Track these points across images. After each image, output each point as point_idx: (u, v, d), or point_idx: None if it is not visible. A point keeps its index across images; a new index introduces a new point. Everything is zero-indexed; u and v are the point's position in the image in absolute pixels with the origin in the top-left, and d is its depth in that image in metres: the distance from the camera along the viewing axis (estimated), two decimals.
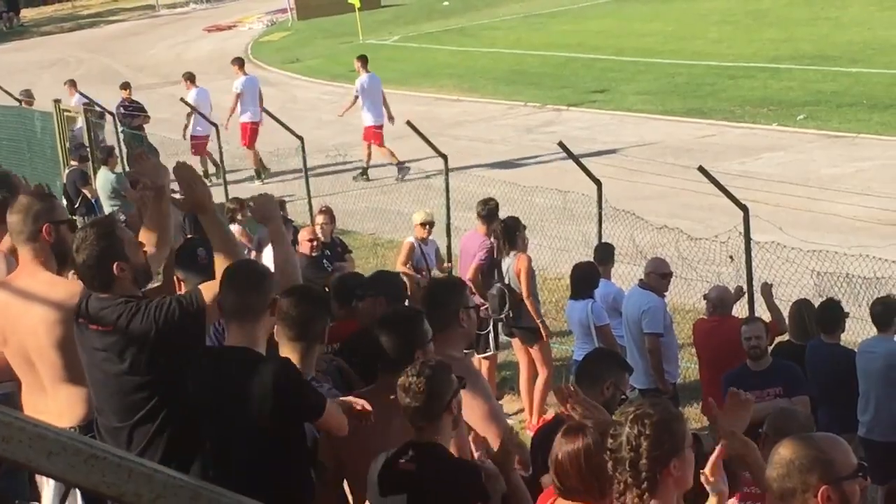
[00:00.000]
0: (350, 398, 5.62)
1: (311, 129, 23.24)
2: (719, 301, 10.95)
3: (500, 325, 12.58)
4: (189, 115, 23.45)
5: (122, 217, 15.40)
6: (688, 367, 12.44)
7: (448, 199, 15.86)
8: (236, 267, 5.48)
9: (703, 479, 4.33)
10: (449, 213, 15.75)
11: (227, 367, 5.32)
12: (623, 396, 6.29)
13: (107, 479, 2.27)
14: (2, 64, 40.93)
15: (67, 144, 20.81)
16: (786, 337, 10.84)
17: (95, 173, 19.01)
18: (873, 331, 10.19)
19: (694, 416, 11.29)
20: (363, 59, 23.51)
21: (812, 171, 19.45)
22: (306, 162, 19.11)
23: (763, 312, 11.34)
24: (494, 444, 5.60)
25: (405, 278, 10.50)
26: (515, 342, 12.59)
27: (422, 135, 15.94)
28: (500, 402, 10.08)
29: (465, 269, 12.71)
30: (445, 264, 14.11)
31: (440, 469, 5.10)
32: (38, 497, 6.12)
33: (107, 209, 17.67)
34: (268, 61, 39.56)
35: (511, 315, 12.23)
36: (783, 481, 3.93)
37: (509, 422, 7.22)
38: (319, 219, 13.68)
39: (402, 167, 21.79)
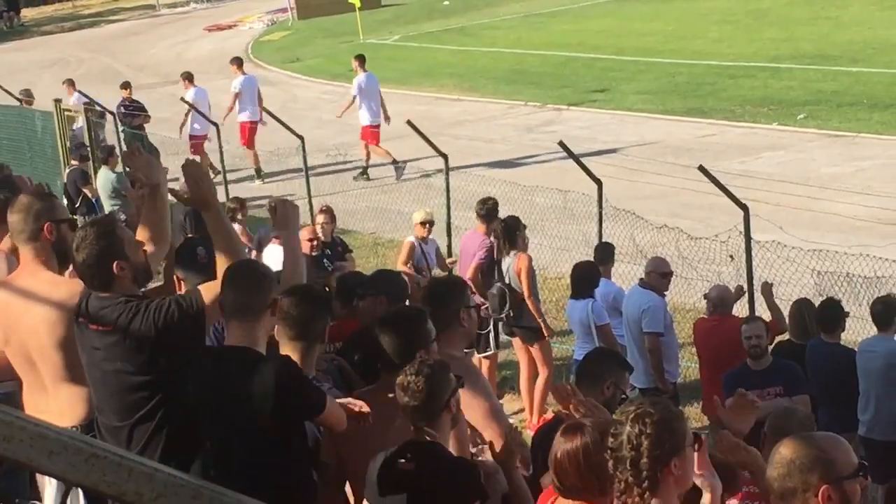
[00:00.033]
0: (349, 399, 5.62)
1: (312, 128, 23.25)
2: (719, 300, 10.95)
3: (500, 324, 12.58)
4: (187, 114, 23.48)
5: (123, 216, 15.44)
6: (688, 366, 12.44)
7: (448, 198, 15.87)
8: (237, 266, 5.48)
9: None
10: (449, 213, 15.75)
11: (228, 366, 5.32)
12: (623, 396, 6.29)
13: (107, 479, 2.27)
14: (2, 63, 40.94)
15: (68, 144, 20.81)
16: (786, 336, 10.84)
17: (96, 173, 19.02)
18: (873, 330, 10.19)
19: (694, 416, 11.29)
20: (361, 59, 23.52)
21: (812, 170, 19.45)
22: (307, 161, 19.11)
23: (763, 312, 11.34)
24: (496, 443, 5.60)
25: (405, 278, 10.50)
26: (516, 341, 12.60)
27: (422, 134, 15.94)
28: (500, 402, 10.07)
29: (465, 269, 12.71)
30: (449, 260, 14.09)
31: (438, 468, 5.10)
32: (38, 496, 6.13)
33: (107, 208, 17.67)
34: (268, 61, 39.58)
35: (511, 314, 12.23)
36: (784, 481, 3.93)
37: (510, 421, 7.21)
38: (320, 218, 13.67)
39: (398, 166, 21.82)
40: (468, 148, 22.71)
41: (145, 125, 23.94)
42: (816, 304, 10.61)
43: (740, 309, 11.65)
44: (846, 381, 9.89)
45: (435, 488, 5.07)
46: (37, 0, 61.19)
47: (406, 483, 5.11)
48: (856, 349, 10.19)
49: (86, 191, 18.52)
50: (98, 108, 22.21)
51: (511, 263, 12.21)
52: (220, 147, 20.97)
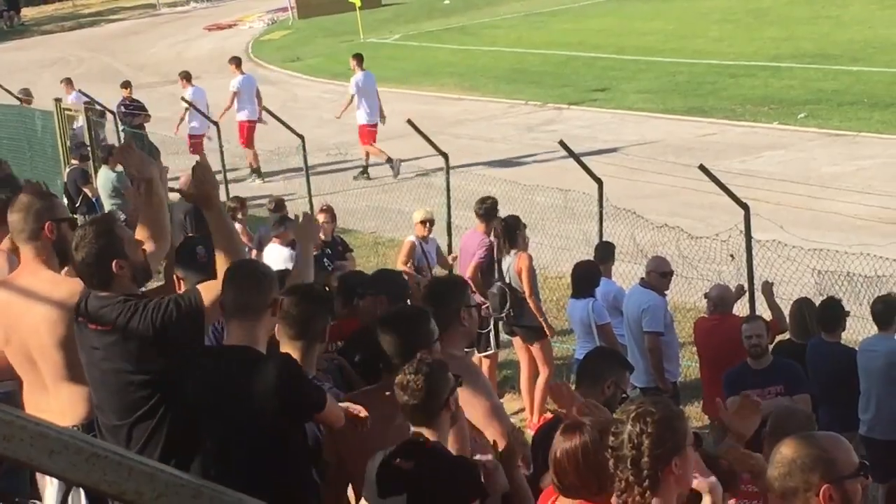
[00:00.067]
0: (348, 404, 5.62)
1: (312, 127, 23.25)
2: (720, 299, 10.95)
3: (500, 323, 12.58)
4: (185, 112, 23.50)
5: (122, 216, 15.43)
6: (689, 365, 12.43)
7: (449, 197, 15.86)
8: (237, 266, 5.49)
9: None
10: (450, 212, 15.75)
11: (228, 366, 5.32)
12: (624, 395, 6.29)
13: (108, 478, 2.27)
14: (2, 63, 40.94)
15: (68, 143, 20.81)
16: (786, 335, 10.84)
17: (96, 172, 19.01)
18: (874, 329, 10.19)
19: (695, 415, 11.29)
20: (358, 58, 23.58)
21: (813, 169, 19.45)
22: (307, 160, 19.11)
23: (764, 311, 11.34)
24: (498, 442, 5.60)
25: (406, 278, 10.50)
26: (516, 341, 12.59)
27: (423, 133, 15.94)
28: (500, 401, 10.06)
29: (465, 268, 12.71)
30: (451, 256, 14.07)
31: (438, 468, 5.10)
32: (38, 496, 6.12)
33: (107, 208, 17.65)
34: (268, 60, 39.58)
35: (512, 314, 12.23)
36: (785, 480, 3.93)
37: (511, 421, 7.20)
38: (320, 217, 13.66)
39: (393, 164, 21.87)
40: (469, 147, 22.71)
41: (145, 124, 23.95)
42: (817, 303, 10.61)
43: (741, 308, 11.64)
44: (847, 381, 9.89)
45: (434, 487, 5.06)
46: None
47: (405, 482, 5.10)
48: (856, 348, 10.19)
49: (86, 190, 18.52)
50: (98, 107, 22.21)
51: (511, 263, 12.21)
52: (221, 146, 20.96)
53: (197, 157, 22.99)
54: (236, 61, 24.88)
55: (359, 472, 5.45)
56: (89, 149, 20.14)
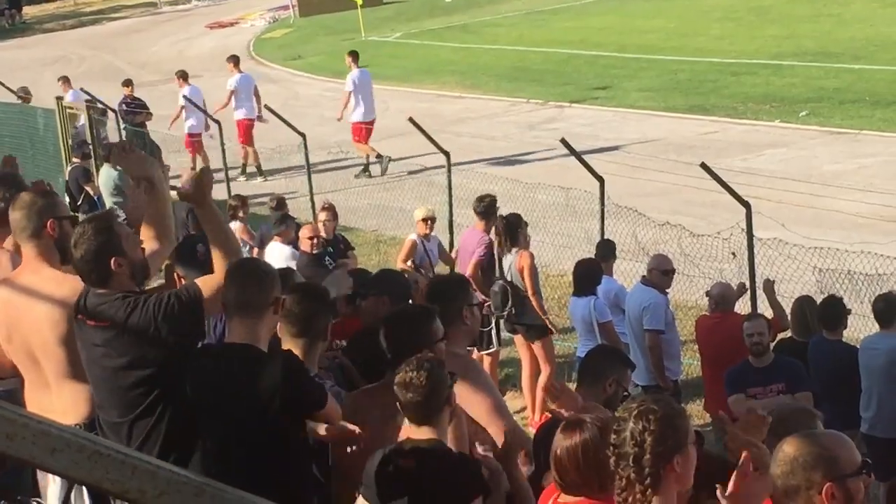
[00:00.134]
0: (344, 424, 5.61)
1: (313, 125, 23.26)
2: (721, 298, 10.95)
3: (502, 321, 12.57)
4: (181, 110, 23.50)
5: (122, 214, 15.42)
6: (690, 363, 12.43)
7: (450, 195, 15.87)
8: (238, 264, 5.50)
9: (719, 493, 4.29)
10: (451, 210, 15.75)
11: (229, 364, 5.33)
12: (625, 393, 6.29)
13: (110, 476, 2.27)
14: (4, 61, 40.95)
15: (70, 141, 20.80)
16: (788, 334, 10.84)
17: (98, 170, 19.02)
18: (875, 327, 10.19)
19: (696, 413, 11.29)
20: (354, 55, 23.65)
21: (814, 167, 19.44)
22: (308, 159, 19.11)
23: (765, 309, 11.34)
24: (499, 438, 5.60)
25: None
26: (518, 339, 12.59)
27: (424, 132, 15.94)
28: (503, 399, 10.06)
29: (465, 267, 12.71)
30: (453, 252, 14.05)
31: (439, 465, 5.10)
32: (39, 493, 6.12)
33: (109, 206, 17.65)
34: (270, 58, 39.58)
35: (514, 312, 12.23)
36: (787, 478, 3.93)
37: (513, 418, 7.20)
38: (322, 216, 13.68)
39: (382, 161, 21.93)
40: (470, 145, 22.70)
41: (147, 122, 23.94)
42: (818, 301, 10.60)
43: (742, 306, 11.64)
44: (848, 379, 9.89)
45: (435, 486, 5.06)
46: None
47: (405, 482, 5.09)
48: (858, 346, 10.19)
49: (88, 188, 18.52)
50: (100, 105, 22.21)
51: (513, 261, 12.20)
52: (223, 145, 20.96)
53: (196, 156, 23.07)
54: (234, 60, 24.89)
55: (358, 471, 5.45)
56: (91, 147, 20.13)
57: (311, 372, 5.61)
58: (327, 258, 12.76)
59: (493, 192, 13.77)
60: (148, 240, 5.82)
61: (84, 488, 5.45)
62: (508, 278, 12.25)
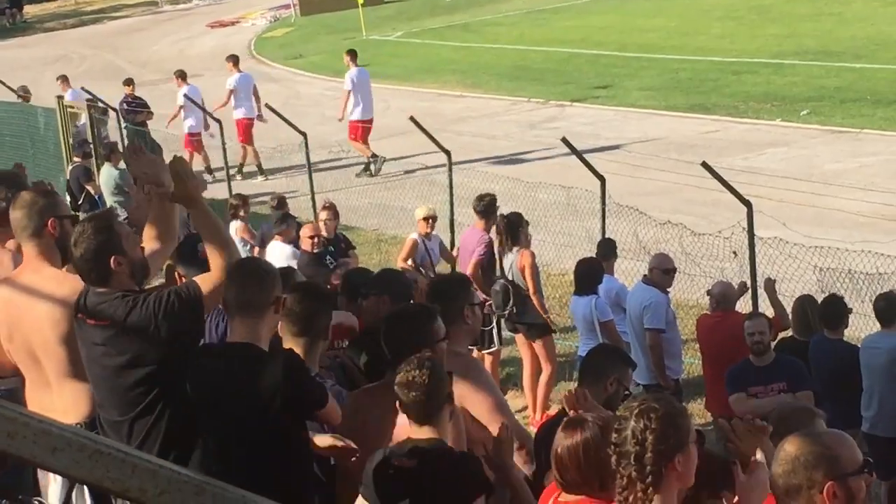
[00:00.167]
0: (339, 441, 5.61)
1: (314, 124, 23.26)
2: (722, 297, 10.95)
3: (503, 320, 12.57)
4: (179, 109, 23.51)
5: (124, 213, 15.43)
6: (691, 362, 12.43)
7: (451, 195, 15.86)
8: (239, 263, 5.50)
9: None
10: (452, 210, 15.75)
11: (230, 363, 5.33)
12: (626, 392, 6.29)
13: (111, 475, 2.27)
14: (5, 60, 40.94)
15: (71, 140, 20.81)
16: (789, 333, 10.84)
17: (99, 170, 19.02)
18: (876, 327, 10.19)
19: (698, 412, 11.29)
20: (352, 54, 23.67)
21: (815, 166, 19.43)
22: (309, 158, 19.10)
23: (766, 308, 11.33)
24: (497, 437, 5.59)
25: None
26: (519, 338, 12.59)
27: (425, 131, 15.94)
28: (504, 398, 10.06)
29: (465, 266, 12.71)
30: (454, 251, 14.05)
31: (441, 465, 5.09)
32: (40, 493, 6.12)
33: (110, 205, 17.66)
34: (271, 57, 39.57)
35: (515, 311, 12.23)
36: (789, 478, 3.92)
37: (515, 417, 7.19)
38: (323, 215, 13.68)
39: (376, 161, 21.94)
40: (471, 144, 22.69)
41: (148, 122, 23.95)
42: (819, 300, 10.60)
43: (743, 305, 11.64)
44: (849, 378, 9.88)
45: (438, 485, 5.06)
46: None
47: (405, 482, 5.09)
48: (859, 345, 10.18)
49: (89, 188, 18.53)
50: (101, 104, 22.22)
51: (514, 260, 12.20)
52: (224, 144, 20.95)
53: (194, 156, 23.09)
54: (233, 59, 24.90)
55: (358, 471, 5.45)
56: (92, 146, 20.14)
57: (311, 371, 5.61)
58: (328, 257, 12.76)
59: (494, 191, 13.77)
60: (151, 239, 5.81)
61: (85, 487, 5.45)
62: (510, 277, 12.25)
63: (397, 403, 5.16)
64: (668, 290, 11.50)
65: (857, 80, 25.36)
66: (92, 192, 18.50)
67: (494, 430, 5.71)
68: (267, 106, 20.97)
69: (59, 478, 5.59)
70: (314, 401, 5.32)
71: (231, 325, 5.49)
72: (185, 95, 23.47)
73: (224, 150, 20.88)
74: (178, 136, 23.42)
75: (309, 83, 34.52)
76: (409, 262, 13.15)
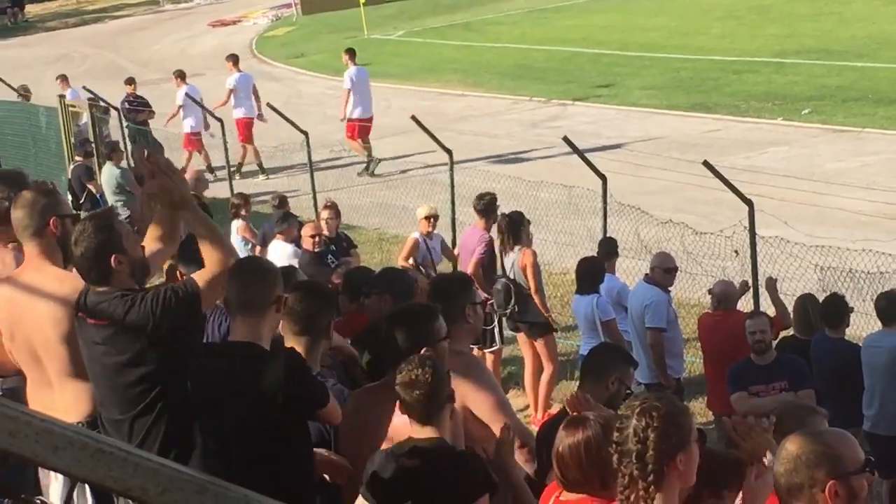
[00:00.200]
0: (334, 457, 5.61)
1: (316, 123, 23.24)
2: (724, 295, 10.95)
3: (504, 319, 12.58)
4: (178, 109, 23.51)
5: (126, 213, 15.44)
6: (692, 361, 12.43)
7: (453, 194, 15.87)
8: (241, 262, 5.51)
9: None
10: (454, 209, 15.75)
11: (231, 362, 5.33)
12: (628, 391, 6.29)
13: (113, 474, 2.27)
14: (6, 59, 40.92)
15: (72, 140, 20.82)
16: (790, 331, 10.83)
17: (100, 169, 19.03)
18: (878, 325, 10.18)
19: (699, 411, 11.29)
20: (351, 53, 23.70)
21: (817, 165, 19.42)
22: (311, 157, 19.11)
23: (768, 307, 11.33)
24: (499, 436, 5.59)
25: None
26: (520, 337, 12.59)
27: (427, 130, 15.94)
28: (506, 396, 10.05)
29: (466, 265, 12.71)
30: (455, 250, 14.05)
31: (443, 464, 5.09)
32: (41, 492, 6.12)
33: (111, 204, 17.67)
34: (272, 56, 39.56)
35: (516, 310, 12.23)
36: (790, 476, 3.92)
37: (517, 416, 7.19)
38: (324, 214, 13.68)
39: (372, 162, 21.94)
40: (473, 143, 22.69)
41: (149, 121, 23.96)
42: (821, 299, 10.60)
43: (745, 304, 11.64)
44: (850, 377, 9.88)
45: (440, 484, 5.05)
46: None
47: (408, 481, 5.09)
48: (860, 344, 10.18)
49: (90, 187, 18.54)
50: (102, 103, 22.22)
51: (516, 259, 12.20)
52: (225, 143, 20.96)
53: (192, 155, 23.11)
54: (233, 59, 24.90)
55: (358, 471, 5.45)
56: (93, 145, 20.15)
57: (313, 370, 5.61)
58: (330, 256, 12.77)
59: (495, 190, 13.78)
60: (154, 240, 5.81)
61: (86, 486, 5.45)
62: (511, 276, 12.25)
63: (398, 403, 5.16)
64: (670, 289, 11.50)
65: (859, 79, 25.35)
66: (93, 191, 18.51)
67: (496, 429, 5.70)
68: (268, 105, 20.97)
69: (60, 477, 5.59)
70: (315, 400, 5.32)
71: (232, 324, 5.49)
72: (187, 94, 23.47)
73: (226, 149, 20.89)
74: (180, 135, 23.42)
75: (310, 82, 34.52)
76: (411, 261, 13.15)
